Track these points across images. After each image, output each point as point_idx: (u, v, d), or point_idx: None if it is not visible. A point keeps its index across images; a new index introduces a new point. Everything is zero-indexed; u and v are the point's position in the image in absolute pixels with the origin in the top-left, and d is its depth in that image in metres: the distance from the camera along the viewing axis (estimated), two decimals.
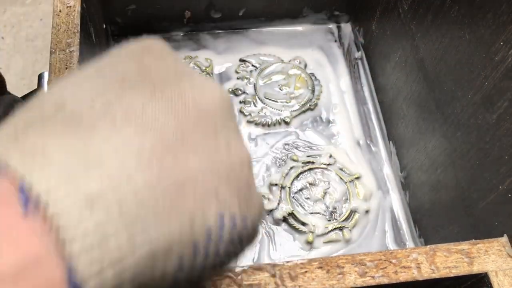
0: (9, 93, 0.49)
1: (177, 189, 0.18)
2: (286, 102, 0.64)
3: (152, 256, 0.17)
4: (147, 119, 0.18)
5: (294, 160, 0.60)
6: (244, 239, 0.21)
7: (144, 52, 0.21)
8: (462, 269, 0.34)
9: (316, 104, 0.65)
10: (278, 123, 0.63)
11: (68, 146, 0.17)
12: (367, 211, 0.57)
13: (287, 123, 0.63)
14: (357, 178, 0.59)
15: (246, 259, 0.54)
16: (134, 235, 0.17)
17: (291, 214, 0.56)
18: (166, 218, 0.18)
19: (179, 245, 0.18)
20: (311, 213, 0.57)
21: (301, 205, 0.57)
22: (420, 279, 0.33)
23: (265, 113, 0.63)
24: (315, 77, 0.67)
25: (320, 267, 0.33)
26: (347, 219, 0.56)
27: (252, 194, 0.22)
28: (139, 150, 0.17)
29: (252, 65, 0.67)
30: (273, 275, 0.32)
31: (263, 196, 0.57)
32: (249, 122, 0.63)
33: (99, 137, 0.17)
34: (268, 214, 0.57)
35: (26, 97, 0.54)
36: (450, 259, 0.34)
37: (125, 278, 0.17)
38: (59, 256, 0.16)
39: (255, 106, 0.64)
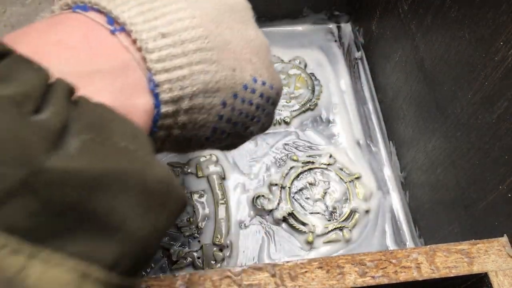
0: None
1: (223, 46, 0.23)
2: (286, 102, 0.64)
3: (205, 89, 0.22)
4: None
5: (294, 160, 0.60)
6: (271, 99, 0.27)
7: None
8: (462, 269, 0.33)
9: (316, 104, 0.65)
10: (278, 123, 0.63)
11: None
12: (367, 211, 0.57)
13: (287, 123, 0.63)
14: (357, 178, 0.59)
15: (246, 259, 0.54)
16: (193, 66, 0.22)
17: (291, 214, 0.56)
18: (215, 66, 0.22)
19: (224, 88, 0.23)
20: (311, 213, 0.57)
21: (301, 205, 0.57)
22: (420, 279, 0.33)
23: None
24: (315, 77, 0.67)
25: (320, 267, 0.33)
26: (347, 219, 0.56)
27: (275, 71, 0.28)
28: (192, 14, 0.22)
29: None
30: (273, 275, 0.32)
31: (263, 196, 0.57)
32: None
33: None
34: (268, 214, 0.57)
35: None
36: (450, 259, 0.34)
37: (186, 94, 0.22)
38: (141, 64, 0.21)
39: None
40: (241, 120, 0.26)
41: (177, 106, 0.22)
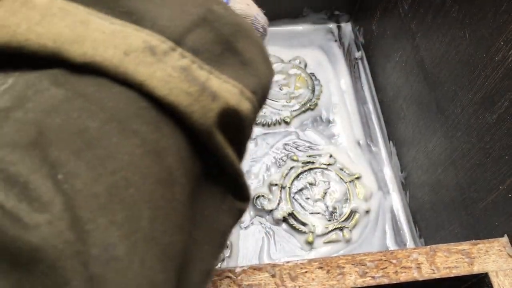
0: None
1: None
2: (286, 102, 0.64)
3: None
4: None
5: (294, 160, 0.60)
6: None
7: None
8: (462, 269, 0.33)
9: (316, 104, 0.65)
10: (278, 123, 0.63)
11: None
12: (367, 211, 0.57)
13: (287, 123, 0.63)
14: (357, 178, 0.59)
15: (246, 259, 0.54)
16: None
17: (291, 214, 0.56)
18: None
19: None
20: (311, 213, 0.56)
21: (301, 205, 0.57)
22: (421, 279, 0.33)
23: (265, 113, 0.63)
24: (315, 77, 0.67)
25: (320, 267, 0.33)
26: (347, 219, 0.56)
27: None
28: None
29: None
30: (273, 275, 0.32)
31: (263, 196, 0.57)
32: None
33: None
34: (268, 214, 0.57)
35: None
36: (451, 259, 0.34)
37: None
38: None
39: None
40: None
41: None
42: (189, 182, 0.19)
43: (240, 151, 0.22)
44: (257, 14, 0.34)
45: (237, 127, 0.20)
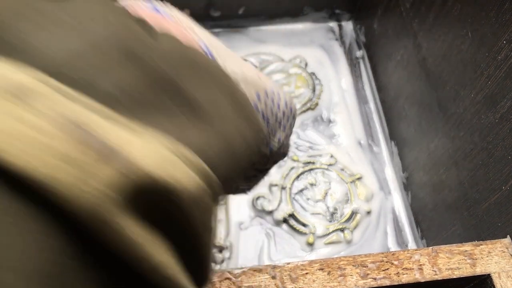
0: None
1: None
2: None
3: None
4: None
5: (294, 160, 0.59)
6: (290, 117, 0.24)
7: None
8: (464, 270, 0.33)
9: (316, 104, 0.64)
10: None
11: None
12: (368, 212, 0.57)
13: None
14: (359, 178, 0.59)
15: (246, 261, 0.54)
16: None
17: (292, 215, 0.56)
18: None
19: (253, 82, 0.20)
20: (312, 214, 0.56)
21: (301, 206, 0.57)
22: (422, 280, 0.32)
23: None
24: (316, 76, 0.66)
25: (321, 269, 0.32)
26: (348, 220, 0.56)
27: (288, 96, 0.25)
28: None
29: (252, 64, 0.66)
30: (273, 277, 0.32)
31: (263, 197, 0.57)
32: None
33: None
34: (268, 215, 0.56)
35: None
36: (453, 260, 0.33)
37: None
38: None
39: None
40: (271, 119, 0.23)
41: None
42: None
43: (190, 259, 0.14)
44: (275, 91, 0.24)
45: (168, 213, 0.13)
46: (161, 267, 0.13)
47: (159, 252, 0.13)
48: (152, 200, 0.13)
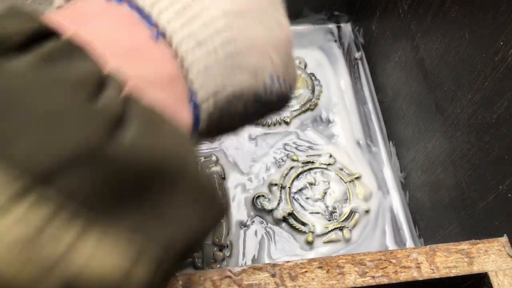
0: None
1: (249, 46, 0.22)
2: None
3: (232, 95, 0.22)
4: None
5: (294, 160, 0.60)
6: (285, 96, 0.27)
7: None
8: (462, 269, 0.33)
9: (316, 104, 0.65)
10: (278, 123, 0.63)
11: None
12: (367, 211, 0.57)
13: (287, 123, 0.63)
14: (357, 178, 0.59)
15: (246, 259, 0.54)
16: (223, 77, 0.21)
17: (291, 214, 0.56)
18: (240, 71, 0.22)
19: (247, 91, 0.23)
20: (311, 213, 0.57)
21: (301, 205, 0.57)
22: (420, 279, 0.33)
23: None
24: (315, 77, 0.67)
25: (320, 267, 0.33)
26: (347, 219, 0.56)
27: (292, 65, 0.28)
28: (223, 10, 0.21)
29: None
30: (273, 275, 0.32)
31: (263, 196, 0.57)
32: None
33: None
34: (268, 214, 0.57)
35: None
36: (450, 259, 0.34)
37: (217, 106, 0.21)
38: (183, 79, 0.20)
39: None
40: (260, 113, 0.27)
41: (209, 116, 0.22)
42: None
43: None
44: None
45: None
46: None
47: None
48: None
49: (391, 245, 0.56)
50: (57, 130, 0.13)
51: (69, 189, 0.13)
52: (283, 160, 0.60)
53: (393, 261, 0.33)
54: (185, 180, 0.16)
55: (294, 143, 0.62)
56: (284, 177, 0.58)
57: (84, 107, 0.14)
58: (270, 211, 0.56)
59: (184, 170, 0.16)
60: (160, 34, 0.19)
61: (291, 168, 0.59)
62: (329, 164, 0.59)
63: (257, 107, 0.25)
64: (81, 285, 0.13)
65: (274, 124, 0.63)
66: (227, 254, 0.54)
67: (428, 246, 0.34)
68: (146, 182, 0.15)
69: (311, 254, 0.55)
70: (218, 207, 0.19)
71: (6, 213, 0.12)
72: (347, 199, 0.58)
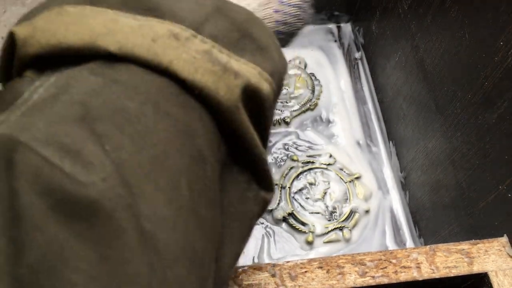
0: None
1: None
2: (286, 102, 0.64)
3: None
4: None
5: (294, 160, 0.60)
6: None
7: None
8: (462, 269, 0.33)
9: (316, 104, 0.65)
10: (278, 123, 0.63)
11: None
12: (367, 211, 0.57)
13: (287, 123, 0.63)
14: (357, 178, 0.59)
15: (246, 259, 0.54)
16: None
17: (291, 214, 0.56)
18: None
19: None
20: (311, 213, 0.57)
21: (301, 205, 0.57)
22: (420, 279, 0.33)
23: None
24: (315, 77, 0.67)
25: (320, 267, 0.33)
26: (347, 219, 0.56)
27: None
28: None
29: None
30: (273, 275, 0.32)
31: None
32: None
33: None
34: (268, 214, 0.57)
35: None
36: (450, 259, 0.34)
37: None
38: None
39: None
40: (292, 21, 0.32)
41: None
42: (217, 164, 0.20)
43: (263, 137, 0.23)
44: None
45: (259, 108, 0.22)
46: (259, 148, 0.22)
47: (257, 138, 0.22)
48: (252, 101, 0.21)
49: (391, 245, 0.56)
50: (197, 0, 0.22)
51: (214, 34, 0.21)
52: (283, 160, 0.60)
53: (393, 261, 0.33)
54: (272, 34, 0.24)
55: (294, 143, 0.62)
56: (284, 177, 0.58)
57: None
58: (270, 211, 0.56)
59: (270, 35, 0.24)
60: None
61: (291, 168, 0.59)
62: (329, 164, 0.59)
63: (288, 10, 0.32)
64: (242, 77, 0.20)
65: (274, 124, 0.63)
66: None
67: (428, 246, 0.34)
68: (254, 29, 0.22)
69: (311, 254, 0.55)
70: (285, 59, 0.25)
71: (191, 40, 0.20)
72: (347, 199, 0.58)
